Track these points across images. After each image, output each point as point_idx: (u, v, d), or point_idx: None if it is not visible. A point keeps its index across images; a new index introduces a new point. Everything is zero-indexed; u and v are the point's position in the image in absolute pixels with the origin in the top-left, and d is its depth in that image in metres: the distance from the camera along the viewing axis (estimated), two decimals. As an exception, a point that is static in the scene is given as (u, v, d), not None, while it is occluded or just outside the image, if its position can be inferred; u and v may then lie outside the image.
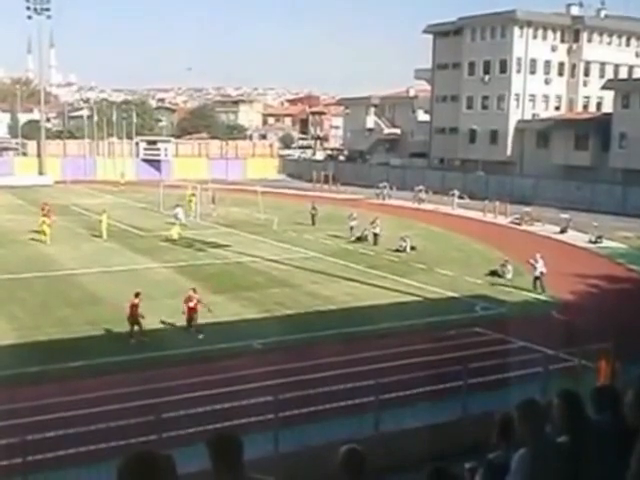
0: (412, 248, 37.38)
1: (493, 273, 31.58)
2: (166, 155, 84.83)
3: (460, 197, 58.18)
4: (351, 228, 41.68)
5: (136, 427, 13.22)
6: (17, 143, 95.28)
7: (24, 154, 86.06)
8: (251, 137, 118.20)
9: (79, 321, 23.53)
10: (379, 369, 17.61)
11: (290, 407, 14.14)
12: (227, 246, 38.46)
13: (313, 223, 46.47)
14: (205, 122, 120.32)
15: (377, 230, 39.68)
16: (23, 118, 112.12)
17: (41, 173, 79.46)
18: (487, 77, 73.73)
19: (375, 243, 39.36)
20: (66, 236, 40.58)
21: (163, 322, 23.34)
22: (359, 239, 40.56)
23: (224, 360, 19.96)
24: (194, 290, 22.84)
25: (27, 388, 17.66)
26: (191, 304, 22.33)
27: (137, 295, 21.97)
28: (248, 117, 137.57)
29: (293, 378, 17.56)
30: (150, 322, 22.76)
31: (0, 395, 16.98)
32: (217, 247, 38.24)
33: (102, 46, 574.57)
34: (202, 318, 22.45)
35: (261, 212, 48.96)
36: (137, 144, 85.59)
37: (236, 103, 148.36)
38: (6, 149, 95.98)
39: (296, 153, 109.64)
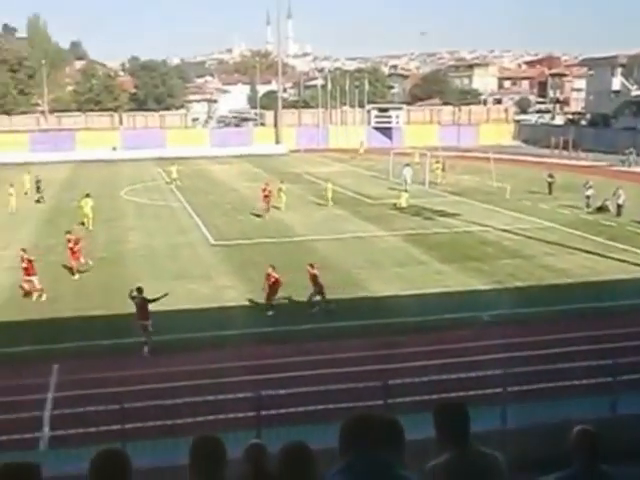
0: (661, 220, 34.51)
1: None
2: (397, 122, 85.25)
3: None
4: (587, 197, 39.19)
5: (363, 391, 13.37)
6: (256, 114, 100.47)
7: (262, 124, 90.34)
8: (485, 102, 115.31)
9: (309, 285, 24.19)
10: (618, 348, 16.39)
11: (519, 382, 13.58)
12: (456, 215, 37.85)
13: (550, 192, 44.43)
14: (438, 87, 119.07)
15: (620, 200, 37.00)
16: (262, 89, 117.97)
17: (277, 142, 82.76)
18: None
19: (618, 214, 36.74)
20: (299, 204, 42.04)
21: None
22: (600, 209, 38.13)
23: (452, 331, 19.63)
24: (272, 267, 21.90)
25: (267, 347, 18.63)
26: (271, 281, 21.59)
27: (312, 266, 21.94)
28: (483, 81, 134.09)
29: (523, 353, 16.89)
30: (379, 289, 23.05)
31: (235, 353, 18.03)
32: (446, 216, 37.73)
33: (337, 15, 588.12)
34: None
35: (493, 180, 47.70)
36: (369, 112, 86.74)
37: (470, 67, 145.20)
38: (246, 120, 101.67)
39: (533, 118, 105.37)
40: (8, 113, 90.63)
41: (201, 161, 70.09)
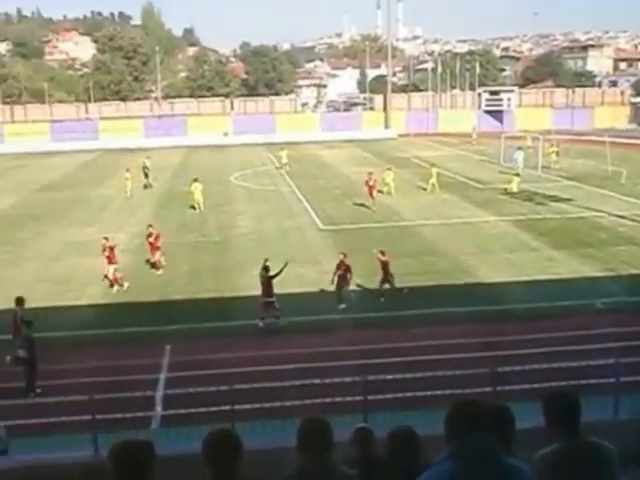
0: None
1: None
2: (508, 105, 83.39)
3: None
4: None
5: (471, 378, 13.23)
6: (365, 98, 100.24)
7: (371, 108, 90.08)
8: (600, 84, 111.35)
9: (420, 270, 24.11)
10: None
11: (633, 372, 13.13)
12: (570, 200, 36.76)
13: (668, 176, 42.68)
14: (551, 69, 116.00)
15: None
16: (371, 73, 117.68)
17: (386, 127, 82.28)
18: None
19: None
20: (407, 188, 41.73)
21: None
22: None
23: (564, 318, 19.13)
24: (344, 255, 21.40)
25: (374, 331, 18.68)
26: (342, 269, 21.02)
27: (383, 253, 21.58)
28: (598, 63, 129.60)
29: (638, 342, 16.27)
30: (489, 276, 22.76)
31: (341, 337, 18.19)
32: (558, 201, 36.70)
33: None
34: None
35: (608, 164, 46.03)
36: (479, 95, 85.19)
37: (585, 48, 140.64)
38: (355, 104, 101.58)
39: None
40: (123, 99, 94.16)
41: (310, 146, 70.60)
